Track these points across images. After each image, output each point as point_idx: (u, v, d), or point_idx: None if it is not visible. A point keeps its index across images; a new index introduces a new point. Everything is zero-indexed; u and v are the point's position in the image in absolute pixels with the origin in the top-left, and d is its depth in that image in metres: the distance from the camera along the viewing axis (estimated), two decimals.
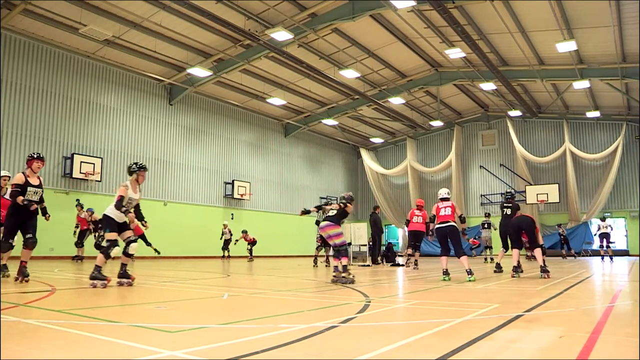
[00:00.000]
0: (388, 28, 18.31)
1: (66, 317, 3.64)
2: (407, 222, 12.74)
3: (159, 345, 2.55)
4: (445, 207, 8.31)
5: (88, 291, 5.63)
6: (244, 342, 2.68)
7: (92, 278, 6.20)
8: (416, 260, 12.50)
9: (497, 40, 18.69)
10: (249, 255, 19.36)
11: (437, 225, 8.36)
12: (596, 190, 24.90)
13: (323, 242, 13.52)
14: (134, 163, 6.75)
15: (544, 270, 8.02)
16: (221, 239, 19.73)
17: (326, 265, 13.11)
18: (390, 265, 14.34)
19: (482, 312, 3.91)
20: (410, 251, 12.70)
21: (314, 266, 13.33)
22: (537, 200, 24.43)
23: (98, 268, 6.24)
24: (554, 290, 5.83)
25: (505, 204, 9.76)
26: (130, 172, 6.69)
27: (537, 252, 8.21)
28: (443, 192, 8.69)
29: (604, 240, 17.26)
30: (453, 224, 8.13)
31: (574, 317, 3.73)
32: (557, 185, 25.27)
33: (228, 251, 19.46)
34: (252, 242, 19.41)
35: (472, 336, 2.80)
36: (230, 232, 19.73)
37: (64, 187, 17.07)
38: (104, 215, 6.55)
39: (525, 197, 25.03)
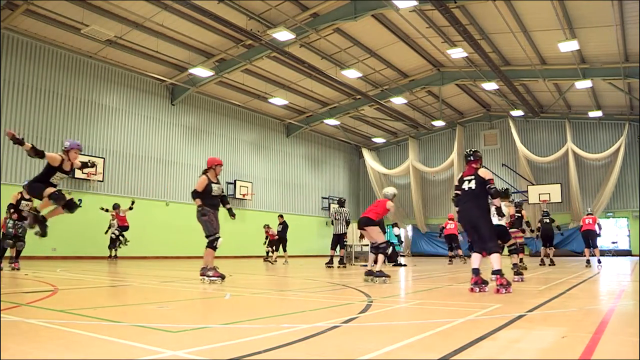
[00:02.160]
0: (390, 28, 18.30)
1: (68, 317, 3.65)
2: (442, 229, 16.89)
3: (161, 345, 2.56)
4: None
5: (90, 291, 5.64)
6: (246, 342, 2.69)
7: None
8: (451, 258, 15.90)
9: (499, 40, 18.67)
10: (111, 252, 15.77)
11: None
12: (599, 190, 24.85)
13: (335, 243, 13.29)
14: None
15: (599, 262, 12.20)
16: (107, 232, 16.11)
17: (327, 266, 13.05)
18: (392, 265, 14.31)
19: (484, 312, 3.90)
20: (451, 253, 16.67)
21: (327, 266, 12.86)
22: (540, 200, 24.41)
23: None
24: (556, 291, 5.82)
25: (544, 217, 14.04)
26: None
27: (597, 250, 12.36)
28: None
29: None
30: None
31: (576, 317, 3.72)
32: (559, 185, 25.22)
33: (116, 250, 15.89)
34: (124, 227, 15.65)
35: (474, 336, 2.80)
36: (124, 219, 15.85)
37: (66, 187, 17.09)
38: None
39: (528, 197, 24.99)
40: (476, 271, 5.63)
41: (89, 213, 15.43)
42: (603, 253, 23.88)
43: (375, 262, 7.55)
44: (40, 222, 6.17)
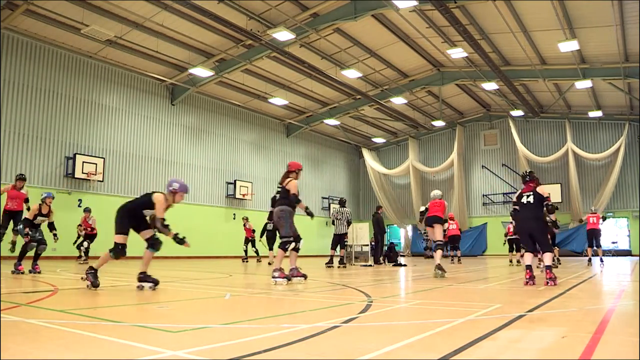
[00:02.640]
0: (390, 28, 18.31)
1: (68, 317, 3.65)
2: (445, 230, 16.36)
3: (161, 345, 2.55)
4: None
5: (90, 291, 5.65)
6: (246, 342, 2.68)
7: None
8: (459, 258, 16.28)
9: (499, 40, 18.67)
10: (80, 253, 14.24)
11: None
12: (599, 190, 24.85)
13: (335, 243, 13.24)
14: None
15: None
16: (76, 242, 14.90)
17: (327, 266, 13.02)
18: (392, 265, 14.32)
19: (484, 312, 3.90)
20: (452, 253, 17.02)
21: (327, 266, 12.72)
22: None
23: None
24: (556, 291, 5.82)
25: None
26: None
27: (600, 250, 13.45)
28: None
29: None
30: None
31: (576, 317, 3.72)
32: (559, 185, 25.23)
33: (84, 252, 14.22)
34: (90, 236, 14.29)
35: (474, 336, 2.80)
36: (90, 227, 14.32)
37: (66, 187, 17.10)
38: None
39: None
40: (530, 267, 6.69)
41: None
42: (603, 253, 23.93)
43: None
44: (147, 279, 5.96)
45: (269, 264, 14.55)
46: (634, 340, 2.80)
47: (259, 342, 2.66)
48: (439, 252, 8.50)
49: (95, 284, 5.78)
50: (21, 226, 8.85)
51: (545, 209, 6.73)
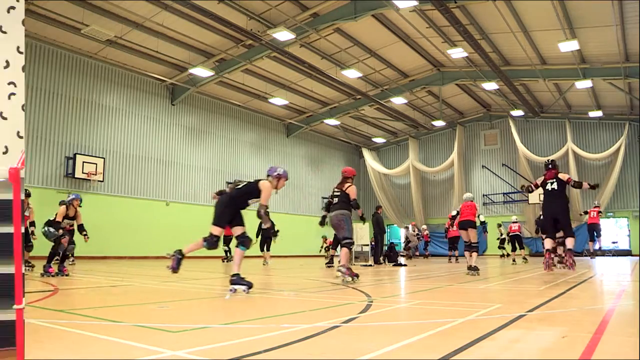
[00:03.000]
0: (390, 28, 18.30)
1: (69, 317, 3.65)
2: (447, 230, 17.40)
3: (161, 345, 2.56)
4: None
5: (90, 291, 5.65)
6: (246, 342, 2.69)
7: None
8: (457, 257, 16.92)
9: (499, 40, 18.66)
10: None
11: None
12: (599, 190, 24.83)
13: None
14: None
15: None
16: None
17: (327, 266, 13.04)
18: (393, 265, 14.34)
19: (485, 312, 3.90)
20: (451, 253, 17.62)
21: (327, 266, 12.77)
22: (539, 200, 24.38)
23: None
24: (557, 291, 5.81)
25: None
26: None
27: (600, 239, 14.09)
28: None
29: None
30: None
31: (576, 317, 3.72)
32: None
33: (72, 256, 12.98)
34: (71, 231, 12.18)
35: (474, 336, 2.80)
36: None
37: (66, 187, 17.09)
38: None
39: (528, 197, 25.00)
40: (549, 251, 7.37)
41: (88, 213, 15.40)
42: (603, 253, 23.97)
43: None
44: (241, 282, 5.42)
45: (264, 264, 14.56)
46: (634, 340, 2.80)
47: (259, 342, 2.66)
48: (474, 255, 8.77)
49: (175, 270, 5.57)
50: (48, 228, 8.58)
51: (570, 191, 7.48)
